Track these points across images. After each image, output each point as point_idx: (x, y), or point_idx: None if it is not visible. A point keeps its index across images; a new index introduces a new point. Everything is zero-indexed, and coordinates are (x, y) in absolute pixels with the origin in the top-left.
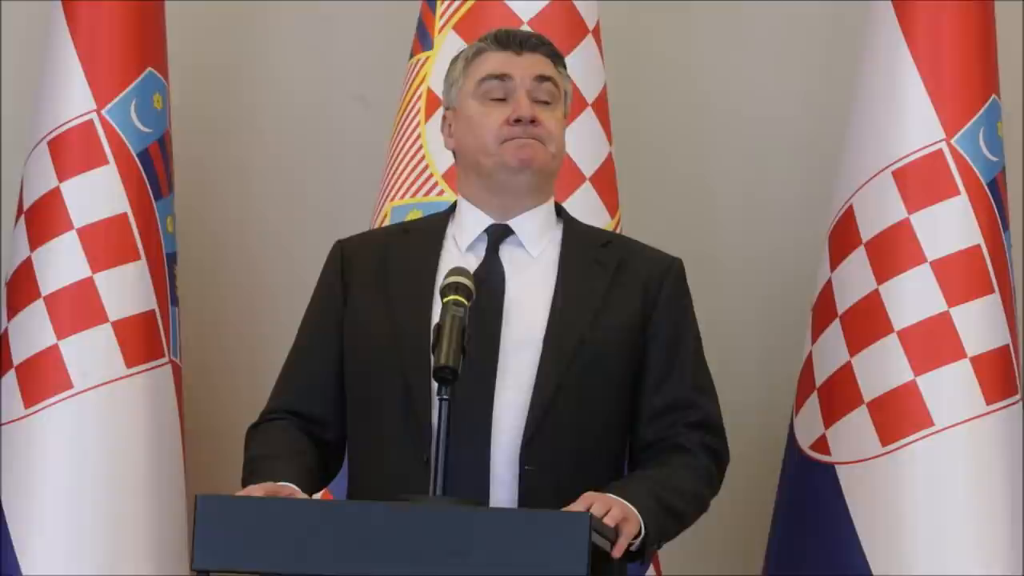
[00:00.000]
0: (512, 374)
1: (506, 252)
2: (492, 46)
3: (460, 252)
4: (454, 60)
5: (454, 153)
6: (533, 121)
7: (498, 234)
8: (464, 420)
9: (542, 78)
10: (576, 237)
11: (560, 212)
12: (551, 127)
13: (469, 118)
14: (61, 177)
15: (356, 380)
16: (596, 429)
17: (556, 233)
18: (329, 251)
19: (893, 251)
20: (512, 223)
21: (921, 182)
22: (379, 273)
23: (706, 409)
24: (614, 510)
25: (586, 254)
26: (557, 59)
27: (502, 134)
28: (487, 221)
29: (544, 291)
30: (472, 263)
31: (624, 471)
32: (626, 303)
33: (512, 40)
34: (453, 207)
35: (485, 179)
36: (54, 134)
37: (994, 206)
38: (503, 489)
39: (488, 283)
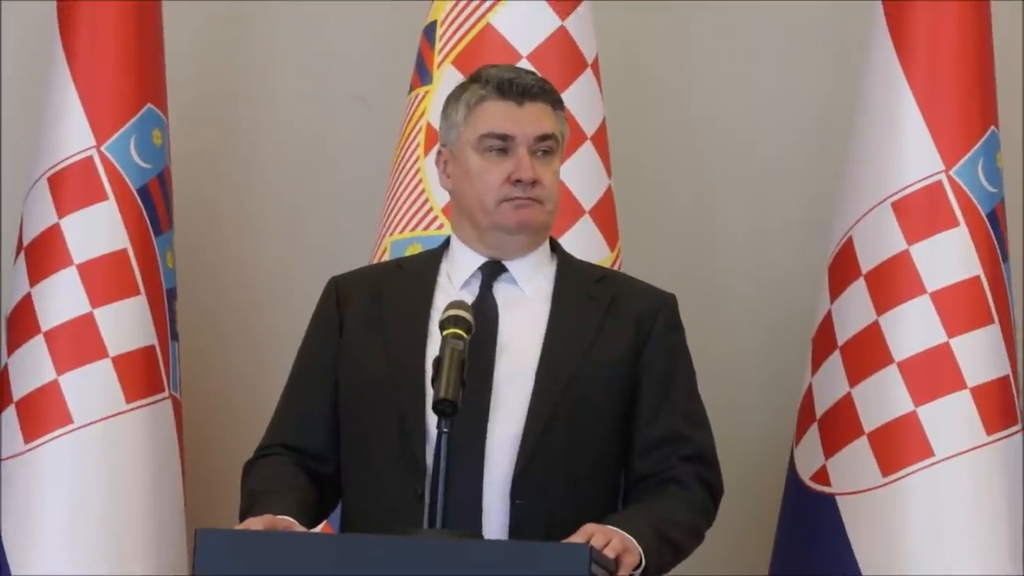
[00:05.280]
0: (504, 408)
1: (500, 289)
2: (493, 94)
3: (454, 288)
4: (454, 99)
5: (449, 191)
6: (533, 182)
7: (492, 271)
8: (457, 454)
9: (543, 137)
10: (570, 273)
11: (555, 248)
12: (549, 184)
13: (468, 170)
14: (61, 213)
15: (350, 414)
16: (588, 463)
17: (550, 269)
18: (324, 288)
19: (893, 282)
20: (507, 263)
21: (920, 213)
22: (374, 308)
23: (699, 442)
24: (614, 541)
25: (579, 290)
26: (557, 104)
27: (501, 193)
28: (481, 259)
29: (537, 327)
30: (466, 299)
31: (617, 504)
32: (619, 338)
33: (514, 89)
34: (447, 243)
35: (480, 232)
36: (54, 170)
37: (993, 237)
38: (495, 522)
39: (482, 319)
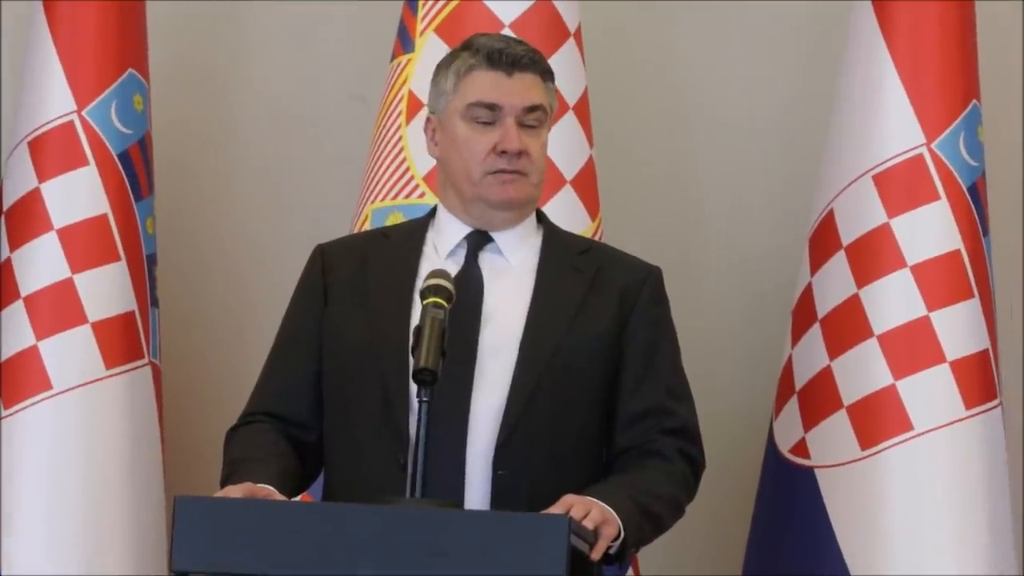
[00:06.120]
0: (488, 379)
1: (485, 259)
2: (483, 64)
3: (440, 258)
4: (444, 67)
5: (436, 159)
6: (519, 153)
7: (478, 241)
8: (440, 424)
9: (531, 108)
10: (555, 244)
11: (541, 218)
12: (536, 156)
13: (455, 138)
14: (41, 178)
15: (334, 383)
16: (571, 434)
17: (536, 240)
18: (309, 255)
19: (873, 255)
20: (493, 233)
21: (902, 186)
22: (359, 277)
23: (682, 415)
24: (593, 513)
25: (565, 261)
26: (547, 75)
27: (488, 165)
28: (466, 229)
29: (522, 297)
30: (451, 269)
31: (600, 476)
32: (603, 310)
33: (503, 59)
34: (433, 212)
35: (465, 203)
36: (34, 135)
37: (974, 211)
38: (477, 492)
39: (466, 289)
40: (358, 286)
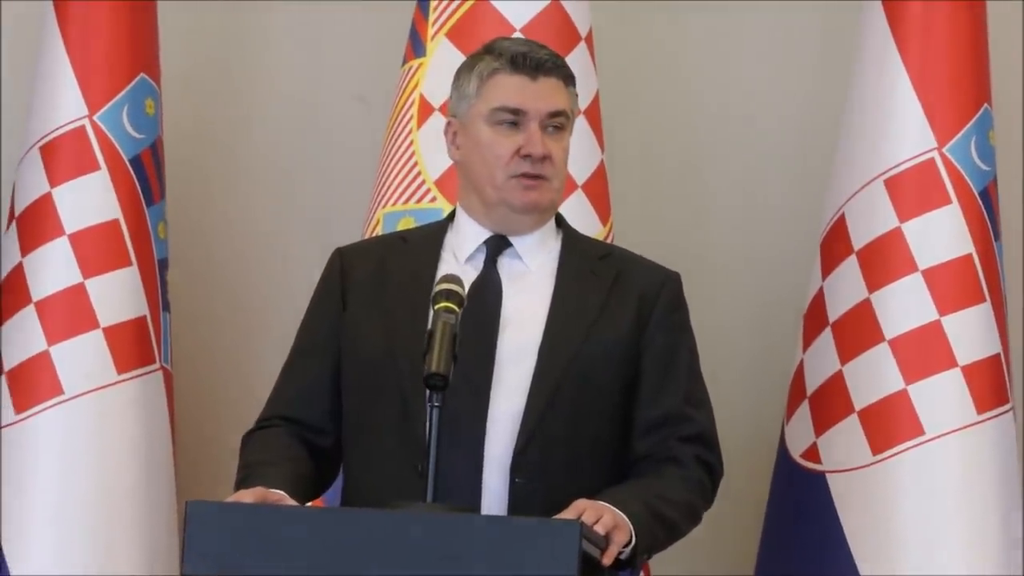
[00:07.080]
0: (507, 385)
1: (504, 264)
2: (507, 68)
3: (458, 263)
4: (467, 70)
5: (456, 162)
6: (543, 158)
7: (497, 246)
8: (458, 429)
9: (555, 114)
10: (574, 249)
11: (560, 223)
12: (558, 160)
13: (478, 142)
14: (53, 183)
15: (352, 388)
16: (588, 442)
17: (555, 245)
18: (328, 259)
19: (885, 260)
20: (512, 238)
21: (913, 191)
22: (377, 282)
23: (700, 423)
24: (605, 518)
25: (584, 266)
26: (570, 80)
27: (511, 168)
28: (486, 233)
29: (541, 303)
30: (470, 274)
31: (617, 483)
32: (622, 315)
33: (528, 63)
34: (451, 215)
35: (487, 207)
36: (46, 140)
37: (985, 215)
38: (494, 500)
39: (485, 295)
40: (376, 290)
